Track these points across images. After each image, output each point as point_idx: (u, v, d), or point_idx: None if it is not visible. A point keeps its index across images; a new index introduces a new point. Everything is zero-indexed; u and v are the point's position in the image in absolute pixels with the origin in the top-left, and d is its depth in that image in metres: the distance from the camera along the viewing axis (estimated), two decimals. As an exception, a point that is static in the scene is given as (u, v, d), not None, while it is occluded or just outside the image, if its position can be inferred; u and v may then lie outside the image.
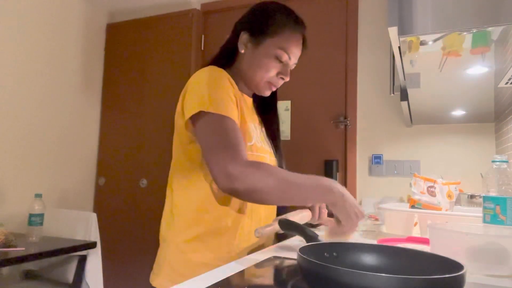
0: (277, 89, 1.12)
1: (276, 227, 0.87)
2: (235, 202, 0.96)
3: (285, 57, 1.00)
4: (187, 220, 0.95)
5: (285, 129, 2.54)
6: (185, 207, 0.95)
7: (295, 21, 1.01)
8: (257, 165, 0.83)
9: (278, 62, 1.00)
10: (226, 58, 1.06)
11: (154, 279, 0.96)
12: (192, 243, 0.93)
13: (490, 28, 0.87)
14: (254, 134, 1.00)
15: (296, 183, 0.83)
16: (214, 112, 0.86)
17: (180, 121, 0.95)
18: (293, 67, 1.05)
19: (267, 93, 1.06)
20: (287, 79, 1.04)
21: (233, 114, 0.89)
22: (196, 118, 0.88)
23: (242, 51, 1.02)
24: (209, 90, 0.89)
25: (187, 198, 0.95)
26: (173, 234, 0.96)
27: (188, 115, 0.89)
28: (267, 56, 0.99)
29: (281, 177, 0.82)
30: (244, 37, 1.02)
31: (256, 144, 0.99)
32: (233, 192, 0.82)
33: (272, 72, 1.01)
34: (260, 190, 0.80)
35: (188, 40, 2.80)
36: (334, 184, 0.85)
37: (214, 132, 0.86)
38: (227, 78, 0.95)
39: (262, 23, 1.00)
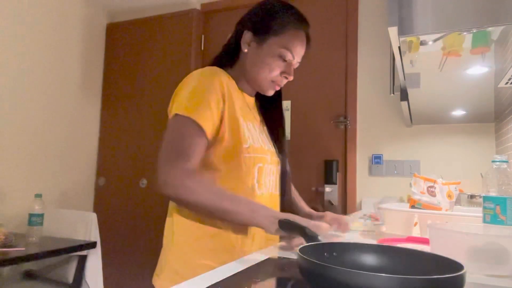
0: (281, 88, 1.11)
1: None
2: None
3: (289, 56, 0.99)
4: (190, 222, 0.95)
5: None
6: (187, 209, 0.95)
7: (298, 20, 1.01)
8: (195, 179, 0.84)
9: (282, 61, 0.99)
10: (228, 57, 1.05)
11: (155, 280, 0.96)
12: (194, 245, 0.93)
13: (490, 28, 0.87)
14: (250, 135, 0.98)
15: (223, 206, 0.84)
16: (184, 114, 0.88)
17: None
18: (296, 66, 1.04)
19: (271, 93, 1.05)
20: (291, 78, 1.03)
21: (204, 121, 0.88)
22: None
23: (246, 50, 1.01)
24: (189, 95, 0.91)
25: None
26: (176, 235, 0.96)
27: (169, 116, 0.93)
28: (270, 55, 0.98)
29: (213, 197, 0.84)
30: (247, 36, 1.01)
31: (253, 145, 0.97)
32: (165, 196, 0.85)
33: (276, 71, 1.00)
34: (189, 202, 0.84)
35: (188, 40, 2.80)
36: (261, 206, 0.85)
37: (172, 134, 0.89)
38: (218, 80, 0.94)
39: (266, 21, 1.00)
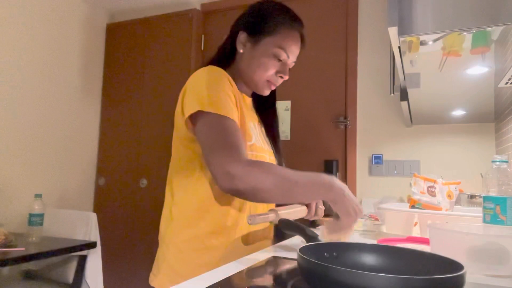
0: (276, 88, 1.12)
1: (270, 217, 0.86)
2: (235, 201, 0.96)
3: (283, 56, 1.00)
4: (187, 219, 0.95)
5: (285, 129, 2.54)
6: (185, 207, 0.95)
7: (292, 19, 1.02)
8: (258, 164, 0.82)
9: (277, 61, 1.00)
10: (224, 58, 1.06)
11: (153, 280, 0.96)
12: (191, 242, 0.93)
13: (490, 28, 0.87)
14: (253, 134, 1.00)
15: (297, 181, 0.82)
16: (214, 112, 0.86)
17: (180, 121, 0.95)
18: (292, 65, 1.05)
19: (267, 92, 1.06)
20: (286, 77, 1.04)
21: (233, 114, 0.89)
22: (195, 117, 0.89)
23: (241, 51, 1.02)
24: (208, 90, 0.89)
25: (187, 197, 0.95)
26: (172, 234, 0.96)
27: (187, 113, 0.89)
28: (265, 55, 0.99)
29: (282, 175, 0.82)
30: (242, 36, 1.02)
31: (256, 144, 0.99)
32: (234, 192, 0.81)
33: (271, 71, 1.01)
34: (261, 189, 0.80)
35: (188, 40, 2.80)
36: (334, 181, 0.84)
37: (214, 132, 0.86)
38: (227, 77, 0.95)
39: (260, 22, 1.01)
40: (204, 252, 0.93)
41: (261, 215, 0.86)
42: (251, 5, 1.06)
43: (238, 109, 0.95)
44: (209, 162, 0.84)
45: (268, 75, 1.01)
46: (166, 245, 0.96)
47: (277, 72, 1.02)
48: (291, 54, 1.02)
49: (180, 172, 0.98)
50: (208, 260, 0.91)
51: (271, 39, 0.99)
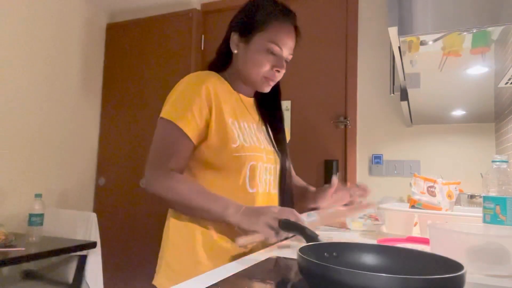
0: (279, 86, 1.13)
1: (257, 236, 0.85)
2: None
3: (276, 49, 1.00)
4: (185, 219, 0.97)
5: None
6: None
7: (281, 12, 1.02)
8: (170, 177, 0.90)
9: (271, 55, 1.00)
10: (222, 61, 1.08)
11: (155, 278, 0.99)
12: (188, 244, 0.95)
13: (490, 28, 0.87)
14: (243, 134, 1.00)
15: (191, 201, 0.90)
16: (167, 118, 0.94)
17: None
18: (289, 58, 1.05)
19: (267, 89, 1.06)
20: (283, 71, 1.04)
21: (185, 125, 0.93)
22: None
23: (235, 51, 1.04)
24: (174, 100, 0.96)
25: None
26: (171, 233, 0.99)
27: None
28: (258, 51, 1.00)
29: (181, 193, 0.90)
30: (234, 37, 1.04)
31: (243, 144, 0.98)
32: (146, 191, 0.92)
33: (266, 67, 1.01)
34: (166, 199, 0.91)
35: (188, 40, 2.80)
36: (230, 205, 0.88)
37: (157, 138, 0.95)
38: (205, 87, 0.96)
39: (249, 20, 1.02)
40: (200, 251, 0.94)
41: (248, 235, 0.86)
42: (241, 5, 1.07)
43: (213, 116, 0.96)
44: (147, 159, 0.94)
45: (264, 71, 1.01)
46: (165, 243, 1.00)
47: (272, 67, 1.02)
48: (284, 46, 1.01)
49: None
50: (203, 259, 0.93)
51: (262, 34, 1.00)
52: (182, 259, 0.95)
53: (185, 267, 0.94)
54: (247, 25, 1.02)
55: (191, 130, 0.93)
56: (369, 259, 0.56)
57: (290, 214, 0.85)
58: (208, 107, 0.96)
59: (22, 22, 2.51)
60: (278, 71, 1.03)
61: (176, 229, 0.99)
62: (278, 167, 1.09)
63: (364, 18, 2.42)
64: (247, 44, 1.01)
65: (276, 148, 1.10)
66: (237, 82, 1.06)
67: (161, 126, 0.96)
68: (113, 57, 3.10)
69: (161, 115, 0.95)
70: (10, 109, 2.43)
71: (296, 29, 1.05)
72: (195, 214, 0.93)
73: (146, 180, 0.92)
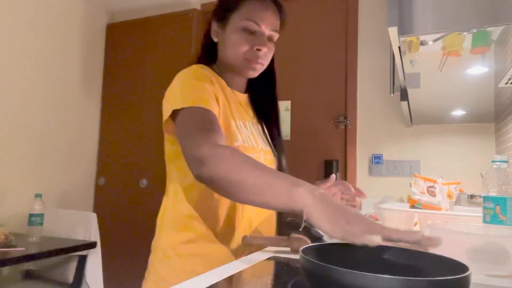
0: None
1: (264, 244, 0.83)
2: (226, 209, 0.92)
3: (253, 26, 0.93)
4: (175, 226, 0.92)
5: (285, 129, 2.54)
6: (175, 213, 0.93)
7: None
8: (230, 150, 0.71)
9: (248, 34, 0.94)
10: (208, 54, 1.03)
11: (143, 285, 0.96)
12: (178, 249, 0.91)
13: (490, 28, 0.87)
14: (242, 133, 0.96)
15: (257, 178, 0.67)
16: (187, 106, 0.82)
17: (164, 130, 0.94)
18: (274, 36, 0.97)
19: (251, 73, 0.98)
20: (265, 49, 0.94)
21: (210, 105, 0.83)
22: (174, 117, 0.86)
23: (216, 40, 1.00)
24: (182, 90, 0.87)
25: (177, 203, 0.93)
26: (161, 239, 0.94)
27: (164, 117, 0.88)
28: (234, 32, 0.94)
29: (252, 166, 0.68)
30: (213, 25, 1.00)
31: (243, 145, 0.94)
32: (203, 179, 0.72)
33: (245, 46, 0.94)
34: (229, 180, 0.68)
35: (188, 40, 2.80)
36: (305, 186, 0.63)
37: (187, 122, 0.81)
38: (206, 76, 0.91)
39: (224, 3, 0.98)
40: (189, 259, 0.90)
41: (258, 239, 0.84)
42: None
43: (220, 107, 0.90)
44: (182, 151, 0.78)
45: (243, 51, 0.94)
46: (154, 250, 0.95)
47: (252, 46, 0.93)
48: (262, 22, 0.93)
49: (172, 177, 0.96)
50: (192, 267, 0.88)
51: (237, 14, 0.94)
52: (172, 266, 0.91)
53: (176, 276, 0.88)
54: (222, 9, 0.97)
55: (213, 106, 0.85)
56: (371, 259, 0.56)
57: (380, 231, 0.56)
58: (216, 97, 0.90)
59: (22, 23, 2.51)
60: (259, 50, 0.94)
61: (165, 234, 0.93)
62: (275, 167, 1.05)
63: (364, 18, 2.42)
64: (224, 28, 0.96)
65: (273, 148, 1.06)
66: (227, 74, 1.00)
67: (185, 113, 0.81)
68: (113, 57, 3.10)
69: (175, 106, 0.83)
70: (10, 109, 2.43)
71: (277, 3, 0.97)
72: (251, 197, 0.67)
73: (197, 163, 0.72)
